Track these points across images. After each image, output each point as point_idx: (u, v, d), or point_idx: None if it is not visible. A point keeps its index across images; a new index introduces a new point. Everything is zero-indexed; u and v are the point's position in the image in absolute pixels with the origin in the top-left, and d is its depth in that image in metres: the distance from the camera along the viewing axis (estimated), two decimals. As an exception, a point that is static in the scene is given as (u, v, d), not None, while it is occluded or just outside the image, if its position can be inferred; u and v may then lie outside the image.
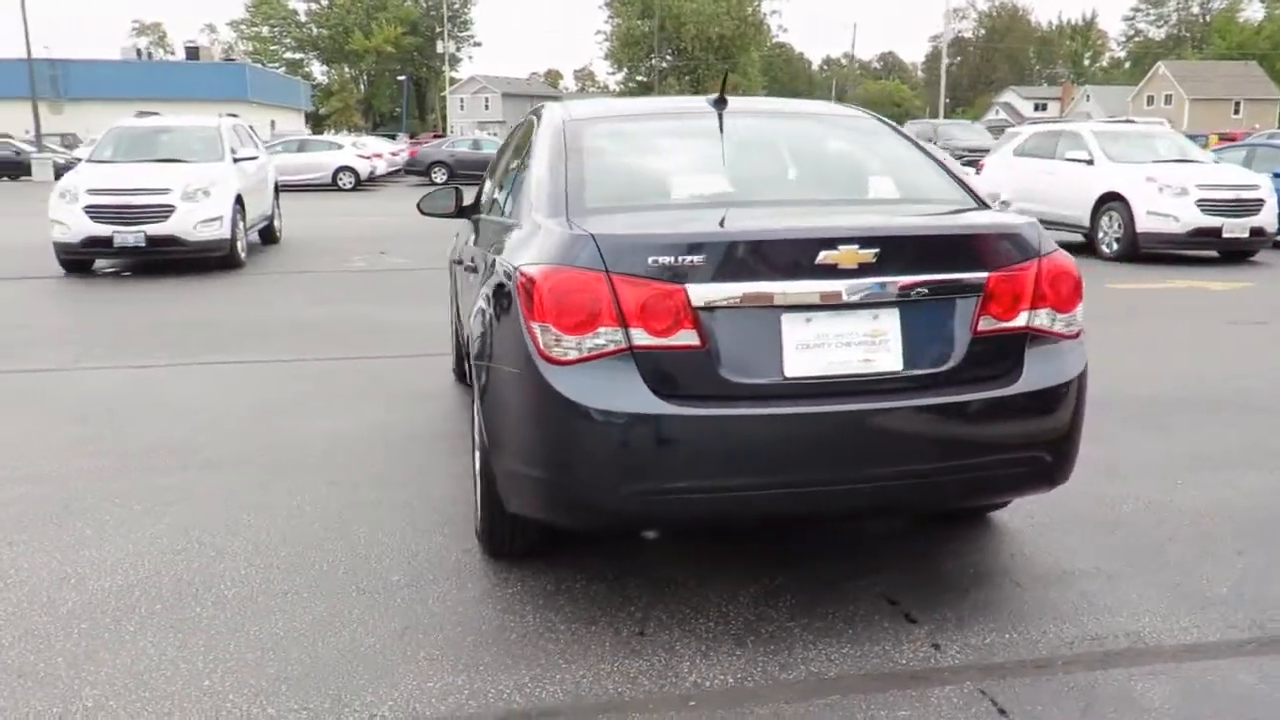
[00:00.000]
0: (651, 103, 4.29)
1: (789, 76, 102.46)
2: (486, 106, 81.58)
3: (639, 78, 68.22)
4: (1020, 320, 2.98)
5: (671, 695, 2.70)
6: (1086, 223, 13.05)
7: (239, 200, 11.88)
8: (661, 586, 3.30)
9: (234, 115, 15.62)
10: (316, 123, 72.44)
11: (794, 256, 2.80)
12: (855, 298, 2.82)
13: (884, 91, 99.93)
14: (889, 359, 2.88)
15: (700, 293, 2.76)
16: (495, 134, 37.80)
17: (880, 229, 2.94)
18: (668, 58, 74.01)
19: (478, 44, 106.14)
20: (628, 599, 3.22)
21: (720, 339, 2.79)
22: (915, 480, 2.92)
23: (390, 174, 31.04)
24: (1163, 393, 5.81)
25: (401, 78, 75.32)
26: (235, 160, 12.33)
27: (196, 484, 4.32)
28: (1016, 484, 3.13)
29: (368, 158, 28.65)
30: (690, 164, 3.59)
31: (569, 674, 2.79)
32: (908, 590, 3.27)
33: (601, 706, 2.65)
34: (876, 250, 2.82)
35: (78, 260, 11.19)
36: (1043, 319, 3.02)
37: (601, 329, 2.76)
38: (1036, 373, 2.99)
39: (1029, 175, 14.11)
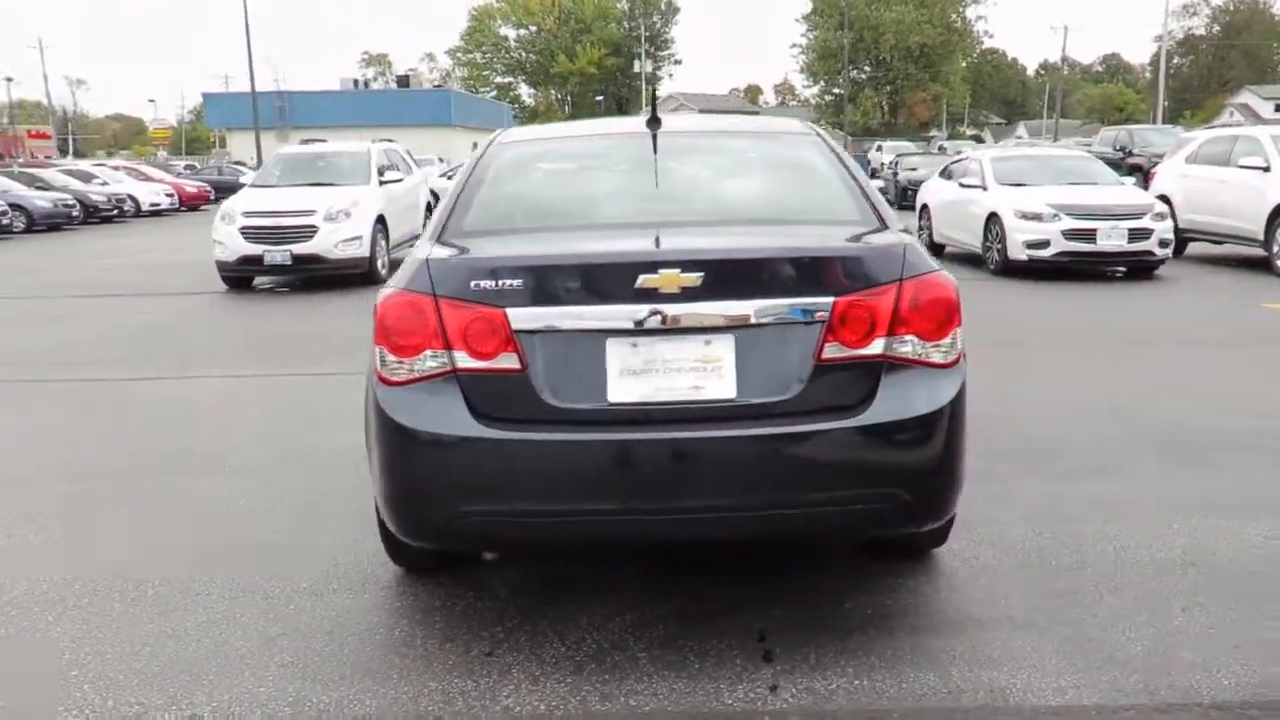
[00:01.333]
0: (589, 125, 4.30)
1: (999, 84, 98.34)
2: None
3: (835, 90, 67.28)
4: (875, 348, 2.81)
5: (475, 718, 2.70)
6: (1260, 235, 11.91)
7: (381, 220, 12.62)
8: (544, 608, 3.31)
9: (389, 140, 16.58)
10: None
11: (614, 281, 2.76)
12: (683, 323, 2.75)
13: (1105, 96, 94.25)
14: (721, 386, 2.78)
15: (520, 316, 2.77)
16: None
17: (704, 252, 2.84)
18: (865, 69, 72.68)
19: (678, 62, 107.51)
20: (502, 618, 3.24)
21: (543, 363, 2.78)
22: (753, 513, 2.80)
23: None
24: (1241, 428, 5.25)
25: (600, 97, 77.37)
26: (382, 183, 13.14)
27: (195, 486, 4.65)
28: (871, 522, 2.94)
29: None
30: (587, 187, 3.59)
31: (396, 689, 2.84)
32: (788, 627, 3.12)
33: (407, 723, 2.69)
34: (700, 274, 2.74)
35: (236, 277, 12.19)
36: (905, 346, 2.83)
37: (428, 351, 2.81)
38: (891, 404, 2.81)
39: (1199, 184, 13.08)
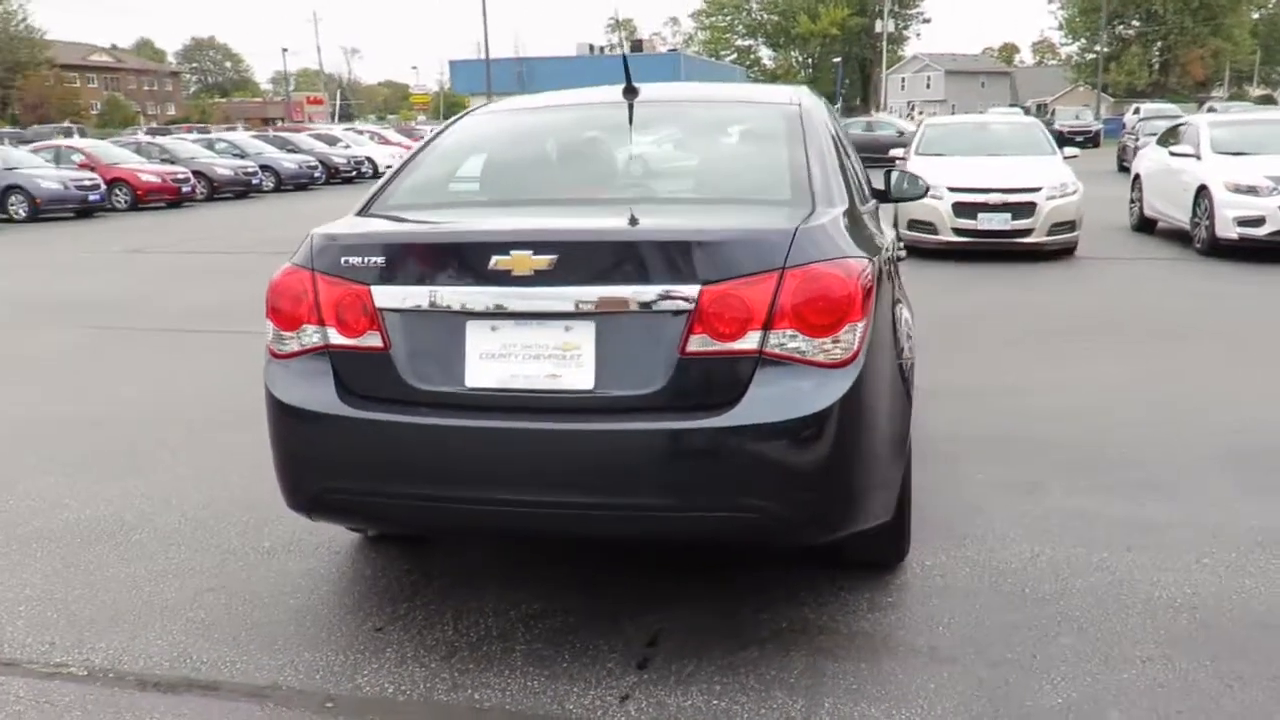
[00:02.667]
0: (573, 95, 4.12)
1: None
2: (928, 85, 79.14)
3: (1097, 48, 62.12)
4: (748, 342, 2.55)
5: (322, 693, 2.71)
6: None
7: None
8: (461, 589, 3.27)
9: None
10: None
11: (471, 261, 2.65)
12: (539, 307, 2.61)
13: None
14: (579, 376, 2.62)
15: (384, 294, 2.71)
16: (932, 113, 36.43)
17: (556, 234, 2.66)
18: (1134, 24, 66.67)
19: (926, 20, 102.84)
20: (411, 595, 3.24)
21: (405, 343, 2.72)
22: (613, 513, 2.63)
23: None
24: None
25: (837, 59, 75.19)
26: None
27: (217, 440, 4.91)
28: (737, 533, 2.69)
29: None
30: (525, 162, 3.46)
31: (269, 658, 2.89)
32: (685, 634, 2.94)
33: (254, 691, 2.73)
34: (553, 257, 2.58)
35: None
36: (784, 342, 2.56)
37: (306, 326, 2.82)
38: (759, 405, 2.54)
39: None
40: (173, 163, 23.17)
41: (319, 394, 2.79)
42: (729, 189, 3.14)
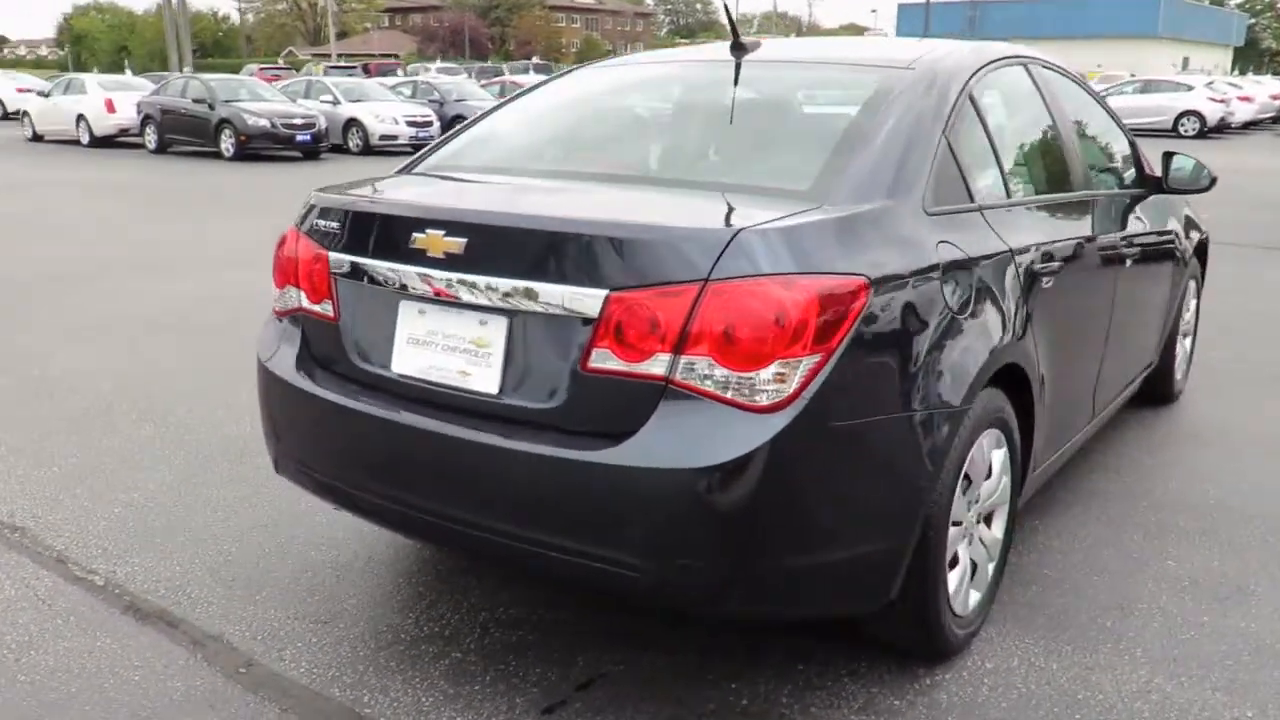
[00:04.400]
0: (676, 52, 3.55)
1: None
2: None
3: None
4: (655, 366, 2.07)
5: (246, 657, 2.67)
6: None
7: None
8: (451, 581, 3.10)
9: None
10: (1257, 61, 64.47)
11: (398, 236, 2.39)
12: (454, 294, 2.31)
13: None
14: (486, 378, 2.29)
15: (335, 262, 2.56)
16: None
17: (468, 215, 2.29)
18: None
19: None
20: (400, 582, 3.12)
21: (351, 316, 2.55)
22: (499, 539, 2.28)
23: (1256, 122, 26.74)
24: None
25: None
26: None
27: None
28: (621, 590, 2.20)
29: (1222, 101, 25.09)
30: (574, 127, 3.08)
31: (241, 609, 2.92)
32: (624, 683, 2.54)
33: (199, 638, 2.75)
34: (464, 240, 2.26)
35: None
36: (696, 371, 2.05)
37: (290, 288, 2.75)
38: (655, 444, 2.06)
39: None
40: (440, 104, 23.16)
41: (282, 357, 2.72)
42: (750, 174, 2.59)
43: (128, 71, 37.96)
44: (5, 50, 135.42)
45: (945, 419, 2.32)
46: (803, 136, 2.68)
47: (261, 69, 40.14)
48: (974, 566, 2.72)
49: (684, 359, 2.05)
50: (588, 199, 2.51)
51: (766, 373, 2.02)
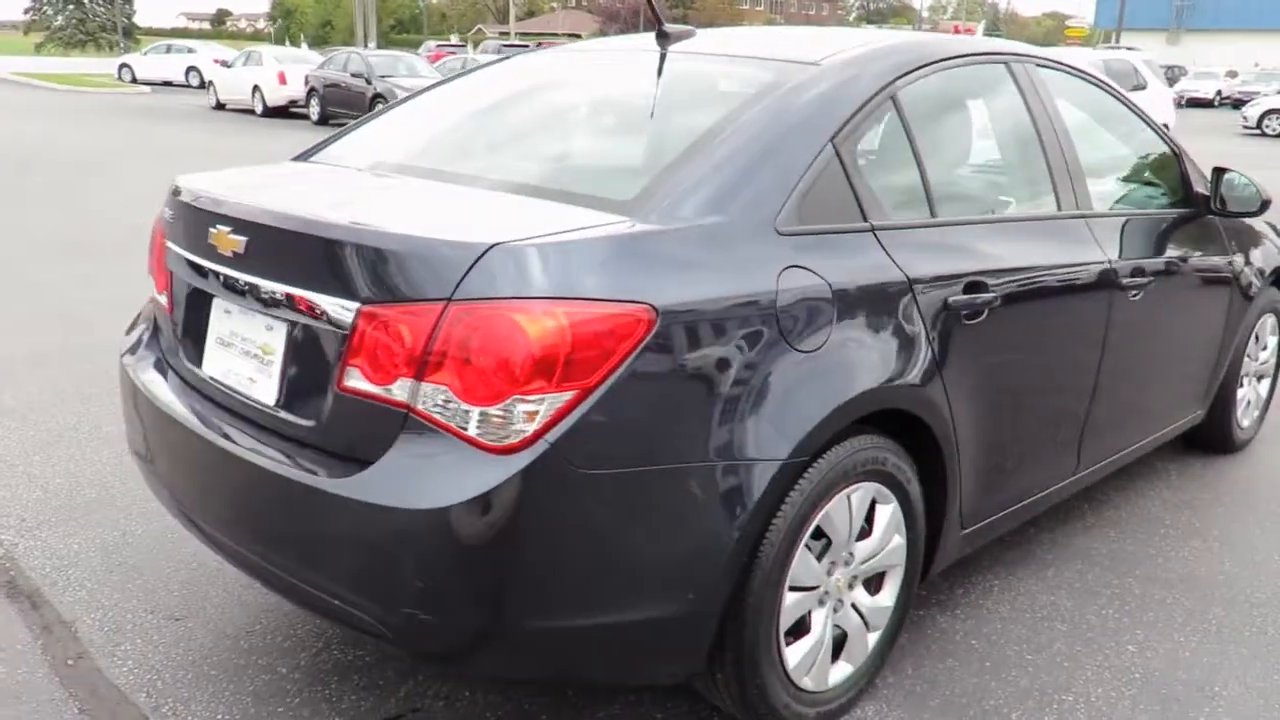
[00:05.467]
0: (610, 42, 3.22)
1: None
2: None
3: None
4: (399, 391, 1.86)
5: (81, 647, 2.63)
6: None
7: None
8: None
9: (1130, 49, 14.15)
10: None
11: (202, 230, 2.25)
12: (245, 295, 2.16)
13: None
14: (267, 388, 2.13)
15: (170, 251, 2.45)
16: None
17: (247, 211, 2.11)
18: None
19: None
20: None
21: (180, 311, 2.44)
22: (262, 563, 2.12)
23: None
24: None
25: None
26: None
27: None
28: (366, 629, 1.98)
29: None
30: (458, 121, 2.86)
31: (111, 586, 2.89)
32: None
33: (56, 617, 2.75)
34: (245, 239, 2.11)
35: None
36: (433, 401, 1.82)
37: (154, 275, 2.67)
38: (384, 478, 1.85)
39: None
40: None
41: (130, 345, 2.64)
42: (585, 179, 2.31)
43: (303, 45, 39.90)
44: (228, 24, 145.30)
45: (767, 471, 2.00)
46: (662, 139, 2.38)
47: (439, 46, 41.41)
48: (844, 636, 2.39)
49: (425, 386, 1.83)
50: (384, 201, 2.31)
51: (503, 409, 1.78)
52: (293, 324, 2.06)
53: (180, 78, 32.32)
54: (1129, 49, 18.52)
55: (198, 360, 2.35)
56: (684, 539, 1.95)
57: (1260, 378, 4.33)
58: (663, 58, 2.76)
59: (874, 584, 2.46)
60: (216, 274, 2.21)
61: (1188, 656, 2.76)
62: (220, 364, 2.27)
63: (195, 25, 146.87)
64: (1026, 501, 2.95)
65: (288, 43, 51.50)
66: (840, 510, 2.24)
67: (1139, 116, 3.54)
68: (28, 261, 6.96)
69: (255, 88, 22.69)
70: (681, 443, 1.91)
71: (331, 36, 74.52)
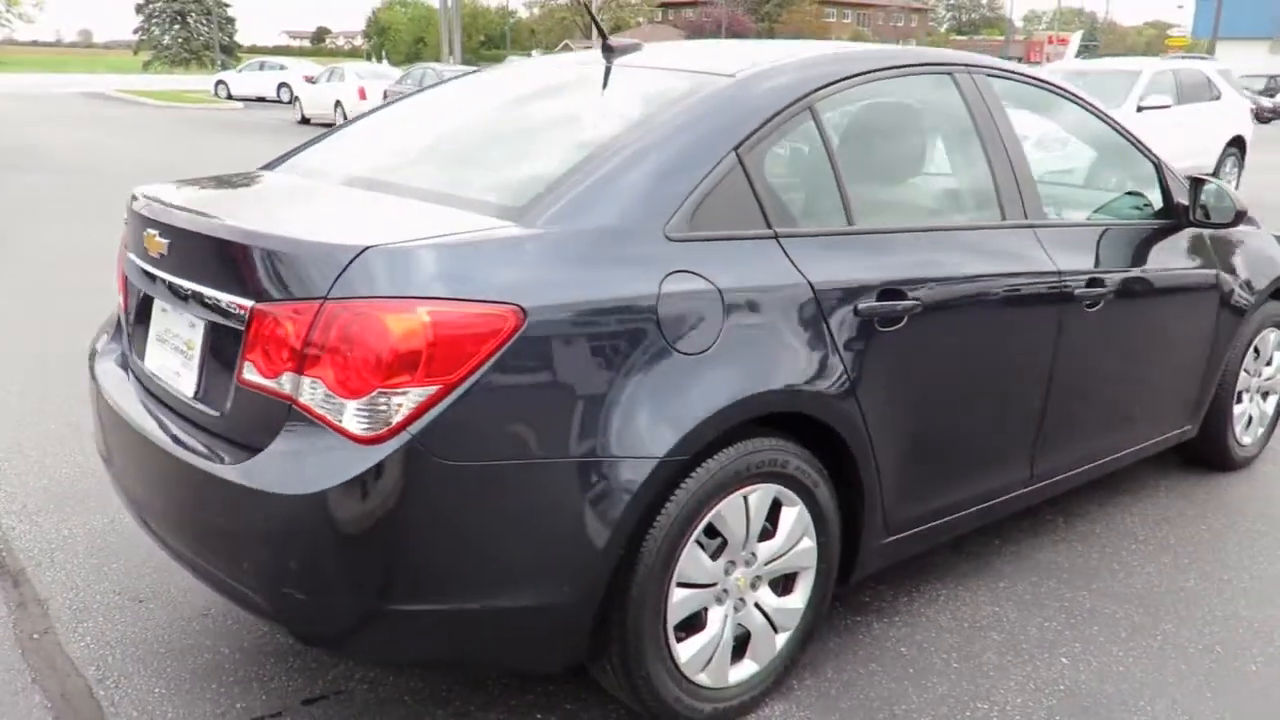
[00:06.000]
0: (564, 57, 3.30)
1: None
2: None
3: None
4: (284, 384, 1.98)
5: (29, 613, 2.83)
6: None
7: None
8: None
9: (1200, 57, 13.73)
10: None
11: (140, 232, 2.41)
12: (171, 294, 2.31)
13: None
14: (188, 381, 2.28)
15: (125, 256, 2.63)
16: None
17: (168, 215, 2.26)
18: None
19: None
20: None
21: (133, 311, 2.61)
22: (180, 548, 2.26)
23: None
24: None
25: None
26: (1140, 109, 11.28)
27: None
28: (248, 605, 2.11)
29: None
30: (406, 131, 2.98)
31: (69, 567, 3.09)
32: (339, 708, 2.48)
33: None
34: (168, 241, 2.26)
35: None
36: (310, 393, 1.94)
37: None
38: (266, 465, 1.98)
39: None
40: None
41: (97, 347, 2.82)
42: (488, 186, 2.39)
43: (384, 62, 40.99)
44: (326, 41, 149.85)
45: (642, 468, 2.07)
46: (570, 148, 2.45)
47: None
48: (748, 635, 2.43)
49: (304, 379, 1.95)
50: (292, 206, 2.44)
51: (370, 401, 1.89)
52: (208, 321, 2.20)
53: (272, 93, 33.52)
54: (1201, 58, 17.94)
55: (143, 356, 2.51)
56: (555, 531, 2.03)
57: (1266, 394, 4.21)
58: (607, 71, 2.85)
59: (783, 585, 2.50)
60: (153, 275, 2.37)
61: (1121, 671, 2.72)
62: (157, 359, 2.43)
63: (296, 43, 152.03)
64: (969, 511, 2.94)
65: (373, 59, 52.95)
66: (735, 510, 2.29)
67: (1114, 128, 3.51)
68: (72, 269, 7.33)
69: (337, 102, 23.43)
70: (551, 438, 2.00)
71: (424, 53, 76.34)
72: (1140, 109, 11.26)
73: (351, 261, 1.93)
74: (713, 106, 2.41)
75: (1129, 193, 3.64)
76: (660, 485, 2.11)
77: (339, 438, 1.92)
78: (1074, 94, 3.42)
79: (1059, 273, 2.98)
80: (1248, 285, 3.81)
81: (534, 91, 3.00)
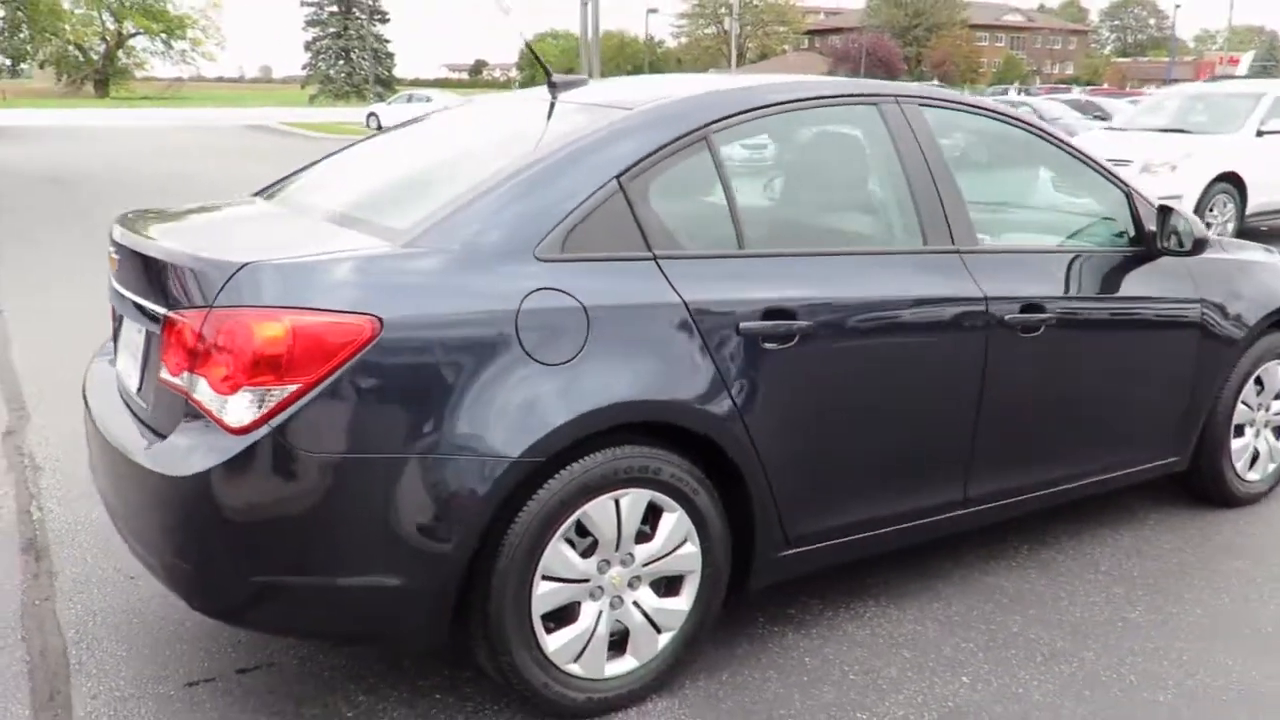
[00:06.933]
0: (518, 93, 3.48)
1: None
2: None
3: None
4: (183, 381, 2.28)
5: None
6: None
7: (1231, 179, 10.45)
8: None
9: None
10: None
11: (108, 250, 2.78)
12: (124, 304, 2.66)
13: None
14: (134, 379, 2.62)
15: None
16: None
17: (120, 236, 2.60)
18: None
19: None
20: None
21: (114, 322, 2.96)
22: (124, 526, 2.58)
23: None
24: None
25: None
26: (1260, 133, 10.75)
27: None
28: (162, 582, 2.39)
29: None
30: (366, 165, 3.24)
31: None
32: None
33: None
34: (120, 256, 2.61)
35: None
36: (201, 389, 2.23)
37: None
38: (163, 451, 2.30)
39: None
40: None
41: (93, 360, 3.19)
42: (391, 213, 2.61)
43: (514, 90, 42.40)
44: (484, 73, 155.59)
45: (496, 467, 2.27)
46: (474, 176, 2.64)
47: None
48: (627, 632, 2.59)
49: (196, 377, 2.25)
50: (219, 227, 2.75)
51: (239, 396, 2.16)
52: (146, 328, 2.54)
53: (417, 124, 35.34)
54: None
55: (115, 362, 2.88)
56: (408, 520, 2.25)
57: (1277, 430, 4.07)
58: (550, 106, 3.08)
59: (668, 587, 2.64)
60: (118, 291, 2.72)
61: (1018, 693, 2.75)
62: (122, 362, 2.79)
63: (455, 75, 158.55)
64: (889, 530, 3.01)
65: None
66: (604, 512, 2.46)
67: (1078, 158, 3.50)
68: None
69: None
70: (405, 435, 2.23)
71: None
72: (1260, 133, 10.74)
73: (232, 275, 2.21)
74: (603, 137, 2.60)
75: (1105, 219, 3.62)
76: (514, 484, 2.31)
77: (217, 428, 2.20)
78: (1032, 125, 3.44)
79: (985, 298, 3.02)
80: (1238, 316, 3.71)
81: (478, 125, 3.25)
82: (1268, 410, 4.00)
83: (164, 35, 70.72)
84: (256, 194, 3.31)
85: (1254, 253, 4.01)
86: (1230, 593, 3.32)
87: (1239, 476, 3.96)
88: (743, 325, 2.60)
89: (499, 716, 2.60)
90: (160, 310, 2.38)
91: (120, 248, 2.62)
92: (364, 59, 64.47)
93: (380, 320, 2.20)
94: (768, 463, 2.66)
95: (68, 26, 69.03)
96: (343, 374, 2.17)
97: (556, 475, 2.37)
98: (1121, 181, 3.55)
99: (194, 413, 2.26)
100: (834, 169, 3.15)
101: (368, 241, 2.39)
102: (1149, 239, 3.49)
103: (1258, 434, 3.99)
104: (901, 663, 2.88)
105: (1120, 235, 3.56)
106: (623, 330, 2.45)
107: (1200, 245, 3.43)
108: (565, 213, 2.46)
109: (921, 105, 3.13)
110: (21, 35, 71.02)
